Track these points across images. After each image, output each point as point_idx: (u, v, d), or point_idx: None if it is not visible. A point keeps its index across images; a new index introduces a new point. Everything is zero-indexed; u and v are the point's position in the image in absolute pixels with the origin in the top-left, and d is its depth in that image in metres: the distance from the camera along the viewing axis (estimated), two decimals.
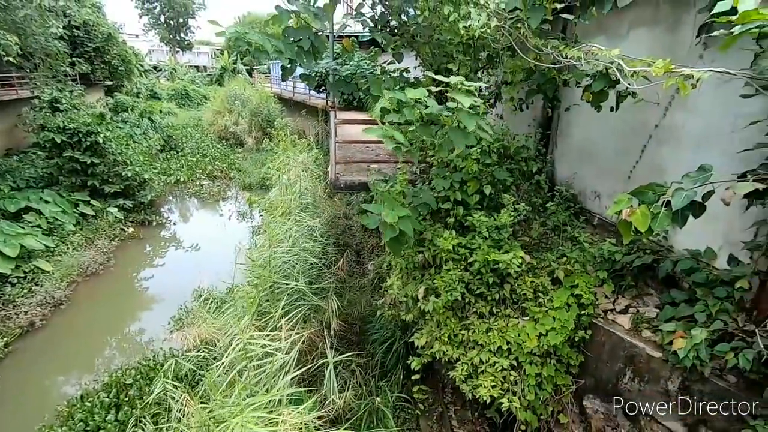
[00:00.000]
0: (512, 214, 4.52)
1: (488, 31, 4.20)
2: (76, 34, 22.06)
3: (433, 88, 3.32)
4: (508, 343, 4.21)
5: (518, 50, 4.21)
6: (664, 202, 2.50)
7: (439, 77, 3.03)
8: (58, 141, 13.51)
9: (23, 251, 10.31)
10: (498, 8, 4.15)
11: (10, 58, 12.69)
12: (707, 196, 2.49)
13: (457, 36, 4.65)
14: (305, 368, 5.26)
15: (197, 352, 6.76)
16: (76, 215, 13.11)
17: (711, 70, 2.57)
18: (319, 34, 5.14)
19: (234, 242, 12.12)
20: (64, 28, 17.21)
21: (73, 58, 20.28)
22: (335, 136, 7.10)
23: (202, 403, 5.19)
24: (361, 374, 6.02)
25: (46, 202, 12.59)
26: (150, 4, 52.28)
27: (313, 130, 19.34)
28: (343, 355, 5.70)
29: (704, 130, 3.81)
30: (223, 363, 5.11)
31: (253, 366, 5.04)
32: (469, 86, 2.95)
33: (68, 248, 11.68)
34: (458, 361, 4.41)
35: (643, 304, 4.08)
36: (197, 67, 56.80)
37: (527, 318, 4.28)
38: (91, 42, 23.78)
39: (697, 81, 2.58)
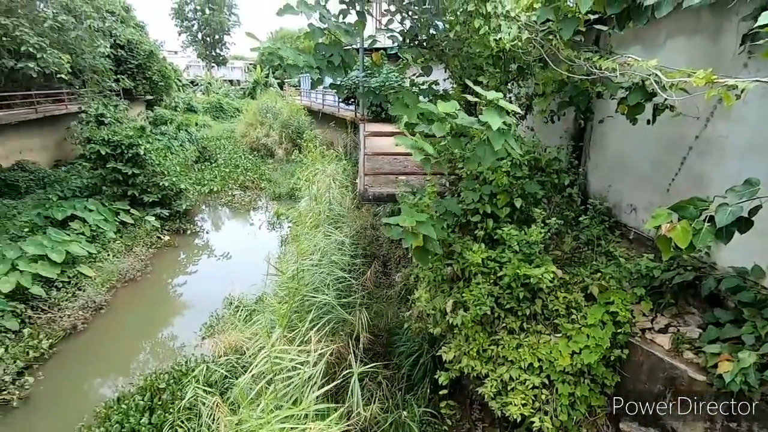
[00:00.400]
0: (542, 231, 4.43)
1: (519, 43, 4.19)
2: (120, 52, 23.42)
3: (470, 98, 3.32)
4: (539, 360, 4.09)
5: (550, 62, 4.17)
6: (706, 217, 2.40)
7: (478, 89, 3.02)
8: (103, 153, 14.27)
9: (68, 257, 10.87)
10: (529, 21, 4.13)
11: (63, 76, 13.59)
12: (754, 211, 2.38)
13: (488, 49, 4.65)
14: (333, 382, 5.26)
15: (227, 359, 6.91)
16: (117, 223, 13.74)
17: (757, 80, 2.46)
18: (349, 48, 5.26)
19: (264, 251, 12.37)
20: (110, 47, 18.30)
21: (118, 75, 21.47)
22: (364, 148, 7.19)
23: (231, 410, 5.30)
24: (388, 387, 5.98)
25: (90, 210, 13.26)
26: (188, 22, 54.88)
27: (342, 142, 19.62)
28: (368, 366, 5.69)
29: (750, 141, 3.64)
30: (251, 373, 5.19)
31: (281, 378, 5.09)
32: (504, 105, 2.93)
33: (109, 255, 12.24)
34: (487, 377, 4.32)
35: (684, 323, 3.89)
36: (231, 81, 58.97)
37: (560, 335, 4.16)
38: (134, 59, 25.18)
39: (742, 91, 2.48)
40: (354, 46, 5.99)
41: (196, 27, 55.19)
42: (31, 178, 15.73)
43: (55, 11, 13.52)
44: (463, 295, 4.49)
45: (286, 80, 45.68)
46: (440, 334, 4.87)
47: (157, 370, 8.16)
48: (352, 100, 18.71)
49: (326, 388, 4.89)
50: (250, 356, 6.42)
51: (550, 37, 4.05)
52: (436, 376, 4.87)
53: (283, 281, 7.79)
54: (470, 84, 3.22)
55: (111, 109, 16.99)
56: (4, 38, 11.85)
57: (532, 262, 4.37)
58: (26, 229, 11.66)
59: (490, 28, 4.27)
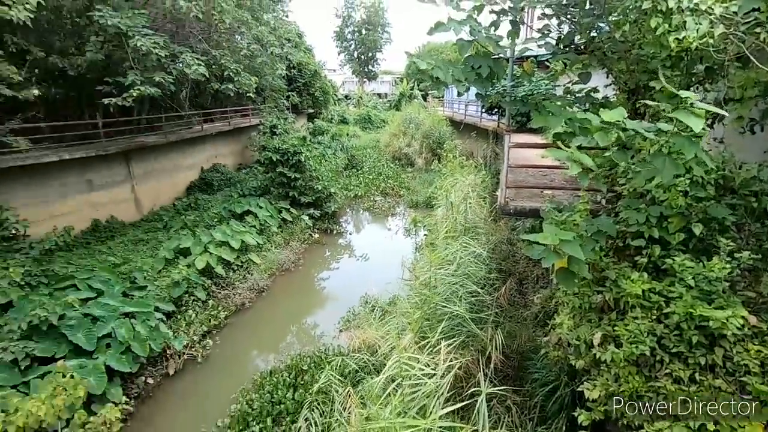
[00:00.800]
0: (729, 265, 3.62)
1: (710, 40, 3.54)
2: (292, 72, 27.23)
3: (650, 103, 2.93)
4: (716, 423, 3.35)
5: (754, 60, 3.41)
6: None
7: (671, 87, 2.66)
8: (274, 159, 16.74)
9: (242, 245, 13.01)
10: (726, 12, 3.45)
11: (250, 94, 16.42)
12: None
13: (665, 49, 4.04)
14: (459, 397, 5.18)
15: (360, 354, 7.38)
16: (279, 220, 15.92)
17: None
18: (499, 58, 5.14)
19: (399, 256, 12.91)
20: (285, 68, 21.43)
21: (289, 92, 24.96)
22: (507, 160, 6.93)
23: (360, 403, 5.63)
24: (518, 414, 5.61)
25: (261, 207, 15.67)
26: (347, 42, 60.87)
27: (482, 152, 19.28)
28: (497, 388, 5.43)
29: None
30: (383, 375, 5.42)
31: (409, 384, 5.20)
32: (700, 107, 2.51)
33: (272, 246, 14.26)
34: (642, 429, 3.71)
35: None
36: (379, 95, 63.35)
37: (749, 397, 3.34)
38: (302, 78, 28.99)
39: None
40: (503, 56, 5.81)
41: (353, 47, 60.91)
42: (221, 178, 19.34)
43: (248, 42, 16.44)
44: (616, 328, 3.96)
45: (429, 92, 47.09)
46: (583, 368, 4.38)
47: (301, 353, 9.15)
48: (496, 110, 18.25)
49: (455, 406, 4.79)
50: (381, 356, 6.75)
51: (757, 29, 3.32)
52: (576, 414, 4.38)
53: (416, 287, 8.00)
54: (663, 82, 2.83)
55: (282, 121, 19.85)
56: (213, 66, 14.88)
57: (711, 302, 3.62)
58: (216, 220, 14.38)
59: (671, 26, 3.70)
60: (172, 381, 8.72)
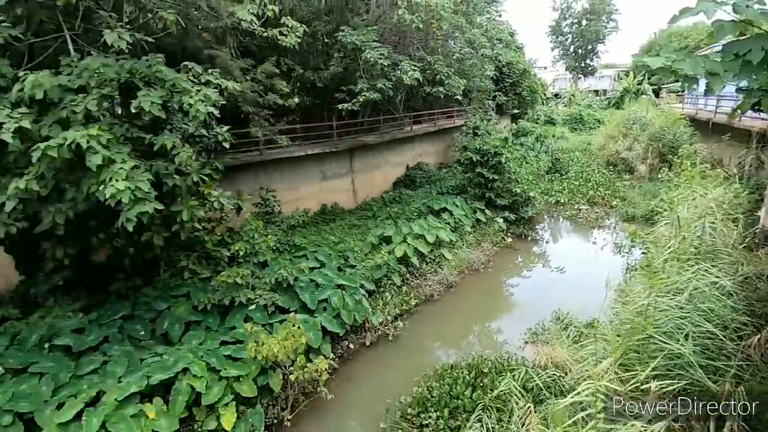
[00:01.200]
0: None
1: None
2: (502, 72, 26.93)
3: None
4: None
5: None
6: None
7: None
8: (474, 159, 16.96)
9: (436, 240, 13.69)
10: None
11: (458, 96, 17.03)
12: None
13: None
14: None
15: (546, 371, 6.84)
16: (473, 220, 16.08)
17: None
18: None
19: (602, 274, 11.36)
20: (494, 69, 21.36)
21: (495, 92, 24.80)
22: None
23: (542, 422, 5.25)
24: None
25: (456, 206, 16.14)
26: (563, 36, 56.31)
27: (736, 160, 15.08)
28: None
29: None
30: (570, 397, 4.92)
31: (604, 418, 4.56)
32: None
33: (463, 245, 14.54)
34: None
35: None
36: (596, 92, 56.53)
37: None
38: (509, 78, 28.37)
39: None
40: None
41: (569, 40, 56.01)
42: (423, 175, 20.74)
43: (460, 46, 17.05)
44: None
45: (663, 86, 39.43)
46: None
47: (483, 354, 9.07)
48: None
49: None
50: (571, 380, 6.13)
51: None
52: None
53: (622, 311, 6.93)
54: None
55: (485, 122, 19.91)
56: (426, 71, 16.02)
57: None
58: (415, 214, 15.55)
59: None
60: (367, 351, 9.92)
